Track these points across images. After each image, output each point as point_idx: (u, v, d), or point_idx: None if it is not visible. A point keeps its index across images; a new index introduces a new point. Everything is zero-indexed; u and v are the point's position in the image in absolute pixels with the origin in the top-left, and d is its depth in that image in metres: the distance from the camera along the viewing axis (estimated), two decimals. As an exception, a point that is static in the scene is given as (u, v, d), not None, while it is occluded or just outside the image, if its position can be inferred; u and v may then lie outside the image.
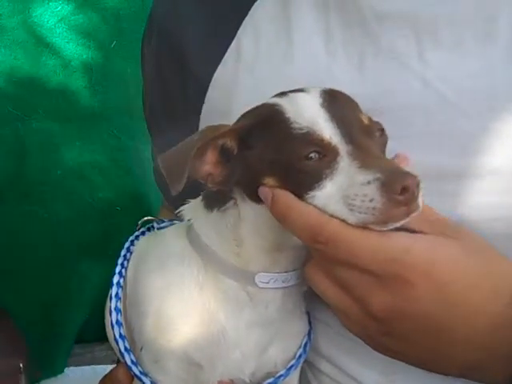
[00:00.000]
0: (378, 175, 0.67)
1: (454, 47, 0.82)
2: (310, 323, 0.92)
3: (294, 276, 0.83)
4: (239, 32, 0.95)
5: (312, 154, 0.71)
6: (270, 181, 0.74)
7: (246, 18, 0.95)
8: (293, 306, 0.87)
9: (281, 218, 0.73)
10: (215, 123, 0.79)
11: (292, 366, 0.90)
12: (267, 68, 0.92)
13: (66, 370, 2.31)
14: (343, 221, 0.69)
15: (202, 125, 0.99)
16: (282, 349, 0.89)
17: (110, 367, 0.97)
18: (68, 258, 2.23)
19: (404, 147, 0.76)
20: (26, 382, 1.96)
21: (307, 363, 0.95)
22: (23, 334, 2.14)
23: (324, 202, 0.71)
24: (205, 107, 0.98)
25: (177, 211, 0.89)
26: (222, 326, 0.83)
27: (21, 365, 1.95)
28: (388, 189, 0.66)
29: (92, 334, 2.19)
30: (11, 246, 2.13)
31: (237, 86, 0.94)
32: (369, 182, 0.67)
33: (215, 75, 0.96)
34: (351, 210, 0.68)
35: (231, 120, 0.80)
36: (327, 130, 0.73)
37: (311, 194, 0.71)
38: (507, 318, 0.69)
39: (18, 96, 2.17)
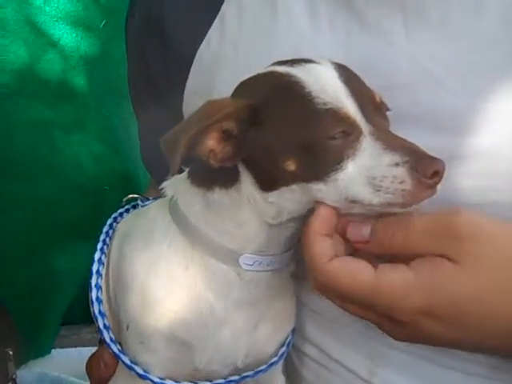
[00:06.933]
0: (406, 158, 0.68)
1: (441, 24, 0.80)
2: None
3: (278, 259, 0.82)
4: (223, 7, 0.93)
5: (339, 134, 0.70)
6: (289, 164, 0.71)
7: None
8: (282, 285, 0.87)
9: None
10: (199, 100, 0.75)
11: (283, 353, 0.90)
12: (251, 42, 0.90)
13: (52, 351, 2.32)
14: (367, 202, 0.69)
15: (186, 102, 0.97)
16: (273, 328, 0.88)
17: (95, 349, 0.97)
18: (55, 238, 2.21)
19: (390, 127, 0.75)
20: (14, 366, 1.95)
21: (292, 346, 0.94)
22: (12, 318, 2.13)
23: (346, 184, 0.70)
24: (188, 84, 0.96)
25: (160, 187, 0.87)
26: (211, 304, 0.82)
27: (10, 352, 1.93)
28: (419, 172, 0.67)
29: (78, 317, 2.19)
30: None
31: (220, 62, 0.92)
32: (397, 164, 0.68)
33: (199, 51, 0.94)
34: (377, 190, 0.68)
35: (214, 96, 0.76)
36: (351, 107, 0.71)
37: (332, 176, 0.70)
38: None
39: (6, 74, 2.14)
